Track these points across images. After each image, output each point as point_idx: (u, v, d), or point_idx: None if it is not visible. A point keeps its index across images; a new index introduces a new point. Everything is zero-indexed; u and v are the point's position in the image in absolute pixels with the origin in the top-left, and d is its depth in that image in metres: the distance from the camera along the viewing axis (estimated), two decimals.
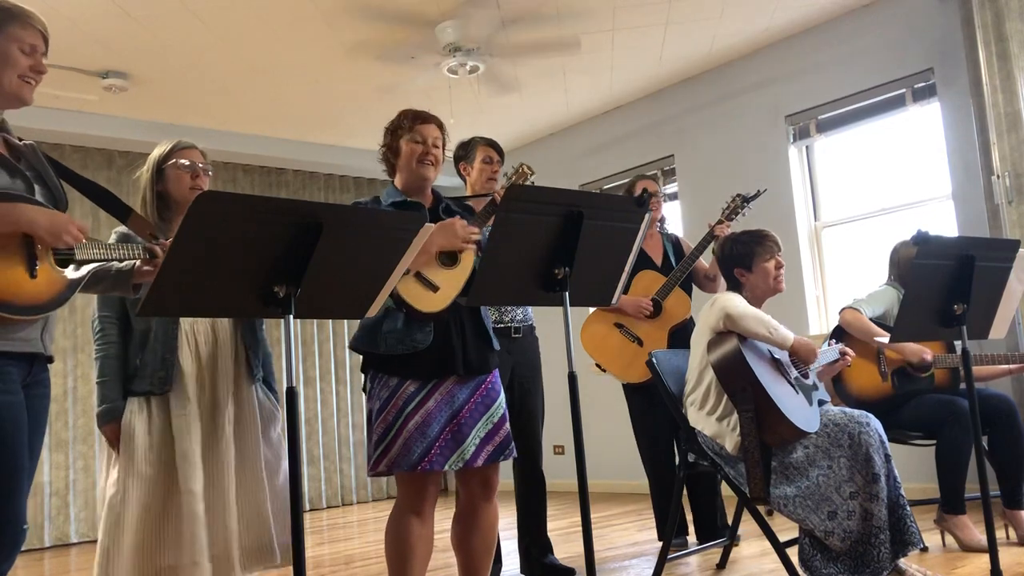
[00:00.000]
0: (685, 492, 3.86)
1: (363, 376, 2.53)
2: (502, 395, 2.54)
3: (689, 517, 4.01)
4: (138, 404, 2.42)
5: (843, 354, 3.11)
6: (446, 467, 2.35)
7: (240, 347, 2.58)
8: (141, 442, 2.39)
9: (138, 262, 2.15)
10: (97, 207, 6.54)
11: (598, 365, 3.95)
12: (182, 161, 2.53)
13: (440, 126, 2.59)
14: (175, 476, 2.40)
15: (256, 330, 2.65)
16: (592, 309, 4.02)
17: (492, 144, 3.60)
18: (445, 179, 6.41)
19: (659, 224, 4.15)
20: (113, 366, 2.43)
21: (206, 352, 2.51)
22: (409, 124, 2.54)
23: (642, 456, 3.95)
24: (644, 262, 3.98)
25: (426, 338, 2.39)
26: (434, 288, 2.39)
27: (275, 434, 2.64)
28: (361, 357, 2.52)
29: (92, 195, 2.14)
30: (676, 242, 4.14)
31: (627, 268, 2.24)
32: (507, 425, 2.50)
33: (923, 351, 3.46)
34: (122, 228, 2.51)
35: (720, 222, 3.85)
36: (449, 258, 2.45)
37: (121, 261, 2.13)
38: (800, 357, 2.90)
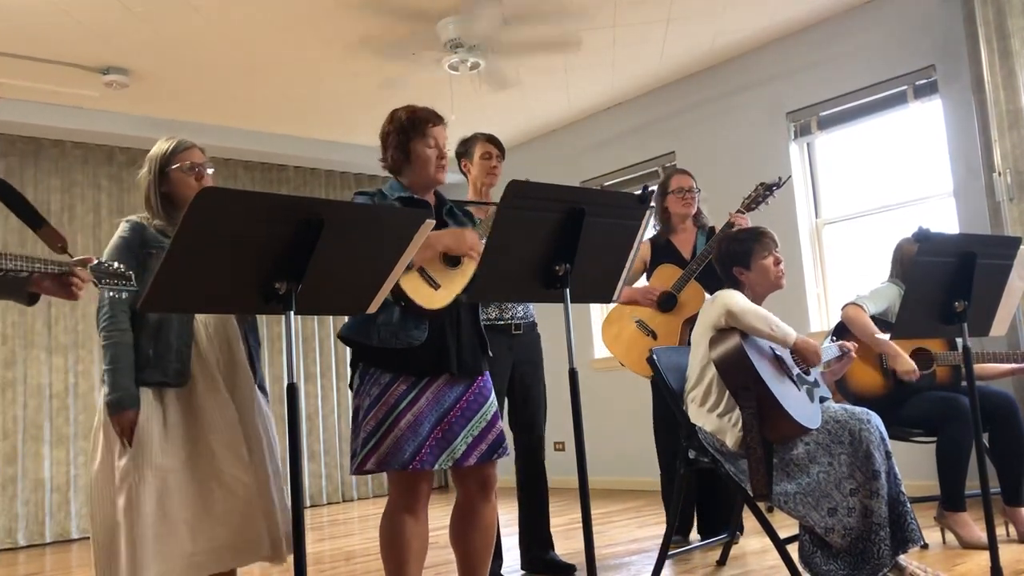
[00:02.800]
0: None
1: (351, 371, 2.51)
2: (493, 395, 2.54)
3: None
4: (152, 395, 2.41)
5: (845, 351, 3.10)
6: (436, 466, 2.35)
7: (244, 348, 2.59)
8: (157, 434, 2.38)
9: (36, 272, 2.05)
10: (99, 205, 6.47)
11: (621, 362, 3.95)
12: (186, 163, 2.53)
13: (445, 126, 2.60)
14: (208, 463, 2.40)
15: (257, 332, 2.66)
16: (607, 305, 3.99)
17: (492, 140, 3.60)
18: (450, 175, 6.40)
19: (696, 218, 4.04)
20: (125, 354, 2.39)
21: (217, 348, 2.51)
22: (423, 127, 2.51)
23: (659, 451, 3.93)
24: (672, 255, 3.94)
25: (421, 334, 2.38)
26: (436, 285, 2.39)
27: (273, 435, 2.65)
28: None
29: (7, 200, 2.03)
30: (711, 232, 4.02)
31: (628, 265, 2.24)
32: (500, 424, 2.50)
33: (910, 369, 3.43)
34: (134, 218, 2.51)
35: (740, 211, 3.75)
36: (452, 260, 2.45)
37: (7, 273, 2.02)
38: (803, 357, 2.90)
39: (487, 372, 2.56)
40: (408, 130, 2.52)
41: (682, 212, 3.98)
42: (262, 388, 2.66)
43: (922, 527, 2.88)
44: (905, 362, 3.43)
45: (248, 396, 2.54)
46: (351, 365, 2.51)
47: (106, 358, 2.40)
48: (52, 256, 2.06)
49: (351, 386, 2.52)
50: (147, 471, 2.35)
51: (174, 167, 2.52)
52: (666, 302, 3.83)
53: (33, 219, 2.05)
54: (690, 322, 3.79)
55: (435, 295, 2.39)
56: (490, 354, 2.58)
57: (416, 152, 2.52)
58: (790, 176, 4.07)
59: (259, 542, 2.42)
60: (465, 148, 3.63)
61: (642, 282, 4.06)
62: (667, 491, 3.89)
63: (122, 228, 2.47)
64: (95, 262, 2.12)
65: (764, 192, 3.82)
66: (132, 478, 2.35)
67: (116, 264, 2.19)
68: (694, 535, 3.98)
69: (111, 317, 2.41)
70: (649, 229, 4.12)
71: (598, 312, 6.84)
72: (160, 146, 2.56)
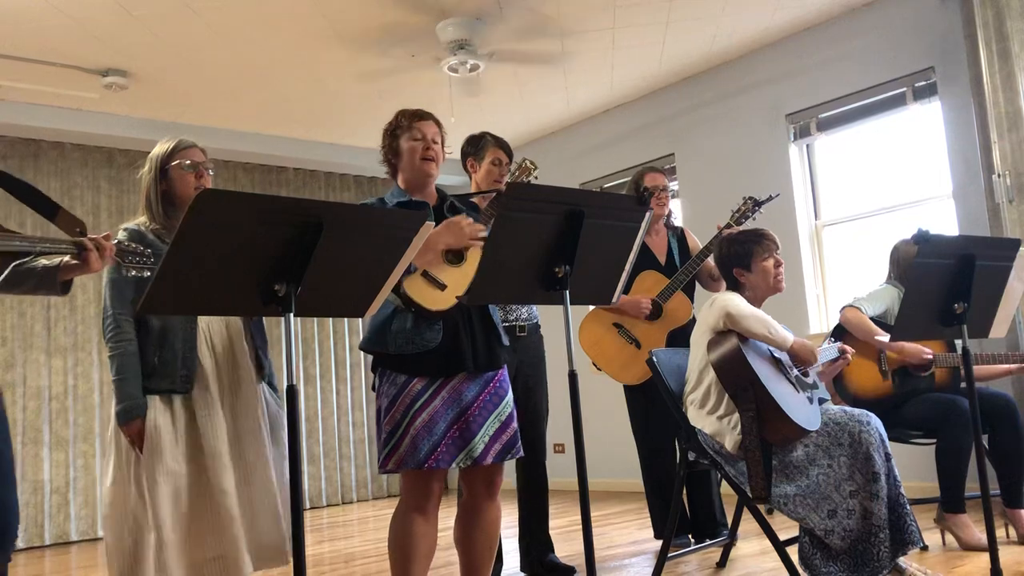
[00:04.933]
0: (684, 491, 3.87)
1: (373, 375, 2.54)
2: (510, 393, 2.54)
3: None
4: (160, 402, 2.41)
5: (842, 352, 3.11)
6: (453, 465, 2.36)
7: (250, 346, 2.58)
8: (168, 440, 2.39)
9: (66, 258, 2.06)
10: (98, 207, 6.48)
11: (595, 364, 3.93)
12: (186, 162, 2.53)
13: (438, 123, 2.61)
14: (204, 474, 2.41)
15: (264, 330, 2.66)
16: (590, 308, 4.00)
17: (502, 145, 3.51)
18: (450, 177, 6.41)
19: (666, 218, 4.06)
20: (132, 363, 2.40)
21: (222, 351, 2.51)
22: (407, 123, 2.56)
23: (640, 455, 3.95)
24: (648, 260, 3.93)
25: (435, 336, 2.40)
26: (442, 287, 2.40)
27: (282, 433, 2.65)
28: (369, 357, 2.52)
29: (17, 192, 2.03)
30: (682, 237, 4.06)
31: (627, 267, 2.24)
32: (515, 423, 2.50)
33: (922, 351, 3.45)
34: (132, 225, 2.50)
35: (729, 225, 3.77)
36: (456, 256, 2.46)
37: (39, 255, 2.03)
38: (800, 359, 2.90)
39: (505, 368, 2.56)
40: (396, 128, 2.58)
41: (656, 213, 3.97)
42: (271, 385, 2.66)
43: (922, 529, 2.88)
44: (913, 351, 3.43)
45: (250, 399, 2.53)
46: (372, 369, 2.54)
47: (113, 368, 2.42)
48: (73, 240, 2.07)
49: (373, 388, 2.54)
50: (160, 477, 2.36)
51: (173, 164, 2.53)
52: (651, 311, 3.82)
53: (47, 208, 2.05)
54: (675, 332, 3.79)
55: (442, 296, 2.39)
56: (506, 343, 2.58)
57: (403, 147, 2.56)
58: (779, 194, 4.12)
59: (239, 558, 2.38)
60: (474, 148, 3.54)
61: None
62: (652, 495, 3.92)
63: (120, 236, 2.46)
64: (116, 240, 2.13)
65: (753, 207, 3.85)
66: (146, 484, 2.35)
67: (136, 244, 2.20)
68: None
69: (116, 327, 2.42)
70: None
71: None
72: (161, 146, 2.58)
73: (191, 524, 2.39)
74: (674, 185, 6.21)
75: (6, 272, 1.90)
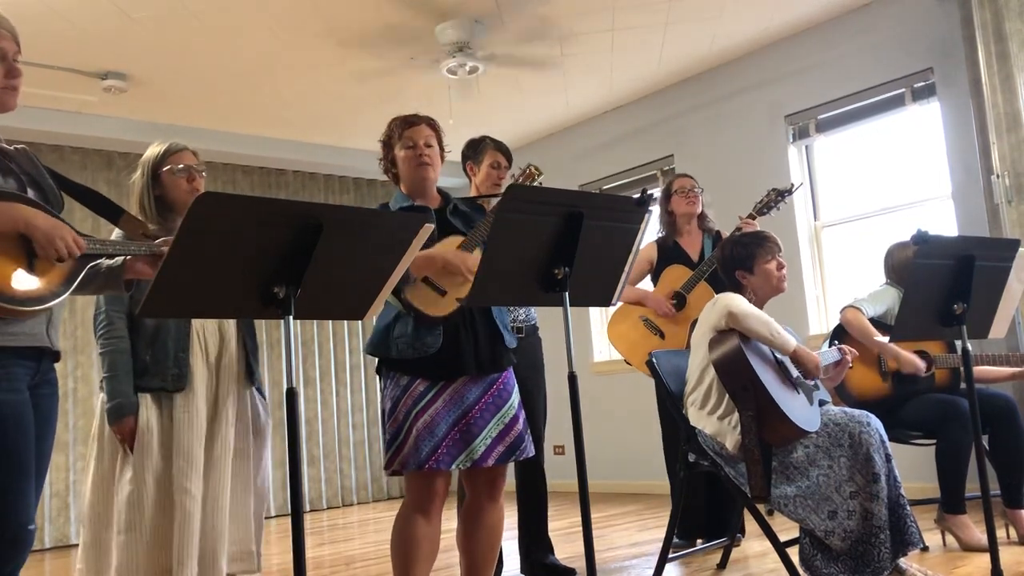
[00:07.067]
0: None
1: (378, 377, 2.57)
2: (515, 394, 2.54)
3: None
4: (151, 400, 2.41)
5: (843, 353, 3.10)
6: (453, 466, 2.36)
7: (241, 350, 2.59)
8: (157, 439, 2.39)
9: (128, 258, 2.09)
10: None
11: (627, 360, 3.95)
12: (178, 166, 2.53)
13: (430, 124, 2.60)
14: (170, 478, 2.41)
15: (255, 334, 2.66)
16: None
17: (502, 149, 3.53)
18: (450, 179, 6.42)
19: (701, 221, 4.05)
20: (123, 361, 2.41)
21: (214, 352, 2.52)
22: (399, 132, 2.56)
23: (666, 453, 3.92)
24: (680, 257, 3.95)
25: (436, 341, 2.41)
26: (442, 292, 2.42)
27: (265, 439, 2.65)
28: (370, 359, 2.54)
29: (82, 198, 2.09)
30: (718, 237, 4.04)
31: (627, 268, 2.24)
32: (519, 425, 2.50)
33: (918, 365, 3.44)
34: None
35: (752, 216, 3.76)
36: None
37: (111, 256, 2.08)
38: (802, 366, 2.89)
39: (510, 369, 2.56)
40: (389, 139, 2.59)
41: (687, 211, 3.98)
42: (260, 392, 2.66)
43: (922, 530, 2.87)
44: (908, 360, 3.43)
45: (236, 403, 2.53)
46: (376, 371, 2.56)
47: (104, 365, 2.42)
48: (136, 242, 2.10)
49: (382, 389, 2.56)
50: (148, 476, 2.36)
51: (165, 169, 2.54)
52: (675, 302, 3.84)
53: (111, 211, 2.09)
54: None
55: (443, 301, 2.42)
56: (511, 345, 2.57)
57: (398, 158, 2.56)
58: (802, 183, 4.10)
59: (187, 564, 2.38)
60: (473, 151, 3.55)
61: (647, 284, 4.06)
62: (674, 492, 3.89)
63: (116, 236, 2.47)
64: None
65: (776, 198, 3.83)
66: (135, 484, 2.35)
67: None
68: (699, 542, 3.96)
69: (108, 324, 2.43)
70: (655, 233, 4.17)
71: (598, 315, 6.84)
72: (152, 150, 2.58)
73: (160, 525, 2.39)
74: None
75: (83, 273, 1.93)
